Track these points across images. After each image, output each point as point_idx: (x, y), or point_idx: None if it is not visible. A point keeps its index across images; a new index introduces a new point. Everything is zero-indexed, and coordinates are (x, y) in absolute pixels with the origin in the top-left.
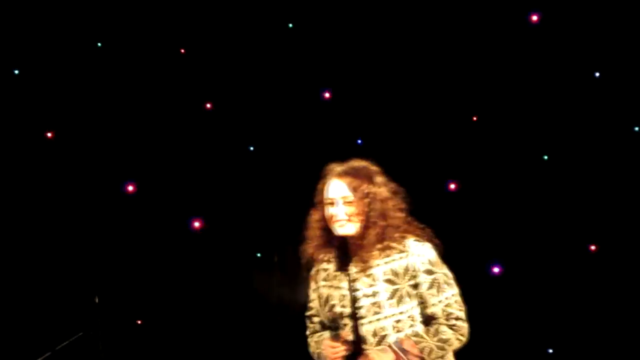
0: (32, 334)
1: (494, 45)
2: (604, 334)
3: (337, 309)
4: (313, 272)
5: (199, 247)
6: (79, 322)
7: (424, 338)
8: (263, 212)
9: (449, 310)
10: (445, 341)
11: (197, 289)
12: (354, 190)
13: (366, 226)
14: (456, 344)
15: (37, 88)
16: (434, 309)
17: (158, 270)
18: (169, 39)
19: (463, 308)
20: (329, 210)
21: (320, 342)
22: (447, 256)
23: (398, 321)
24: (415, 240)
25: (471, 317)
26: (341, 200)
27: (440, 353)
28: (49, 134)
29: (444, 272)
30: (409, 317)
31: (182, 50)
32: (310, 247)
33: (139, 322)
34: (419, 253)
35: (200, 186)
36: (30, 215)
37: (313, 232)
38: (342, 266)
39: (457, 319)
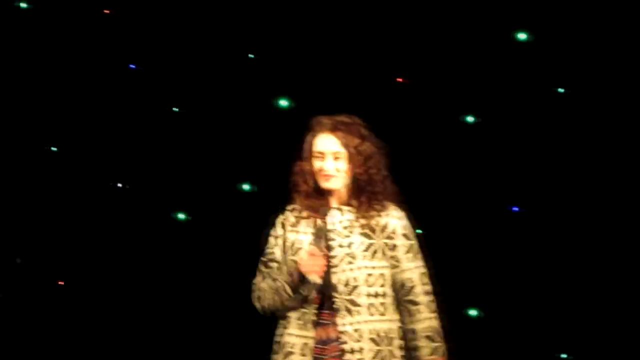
0: None
1: None
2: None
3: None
4: (281, 218)
5: (119, 206)
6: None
7: (434, 346)
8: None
9: (425, 279)
10: (437, 328)
11: (118, 249)
12: (345, 146)
13: (360, 182)
14: (439, 323)
15: None
16: (411, 274)
17: (80, 230)
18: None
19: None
20: (318, 164)
21: (276, 279)
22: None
23: (370, 275)
24: (394, 205)
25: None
26: (331, 155)
27: (443, 339)
28: None
29: (417, 243)
30: (380, 274)
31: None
32: (297, 196)
33: (61, 282)
34: (398, 217)
35: (120, 147)
36: None
37: (298, 182)
38: (319, 215)
39: (431, 292)
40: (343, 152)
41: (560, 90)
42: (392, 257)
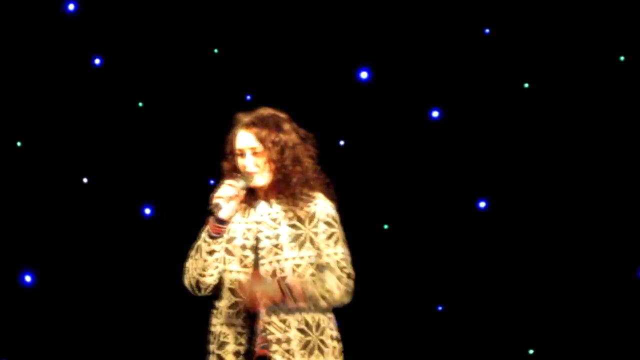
0: None
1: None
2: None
3: (239, 241)
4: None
5: (87, 201)
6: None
7: (311, 284)
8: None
9: (343, 264)
10: (328, 290)
11: (84, 245)
12: (262, 140)
13: (282, 174)
14: (337, 298)
15: None
16: (328, 259)
17: (49, 226)
18: None
19: (353, 271)
20: (239, 161)
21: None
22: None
23: (298, 265)
24: (324, 196)
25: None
26: (249, 151)
27: (320, 301)
28: None
29: (341, 231)
30: (309, 264)
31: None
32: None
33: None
34: (324, 206)
35: (84, 142)
36: None
37: (231, 175)
38: (248, 207)
39: (348, 276)
40: (259, 146)
41: (525, 85)
42: (315, 244)
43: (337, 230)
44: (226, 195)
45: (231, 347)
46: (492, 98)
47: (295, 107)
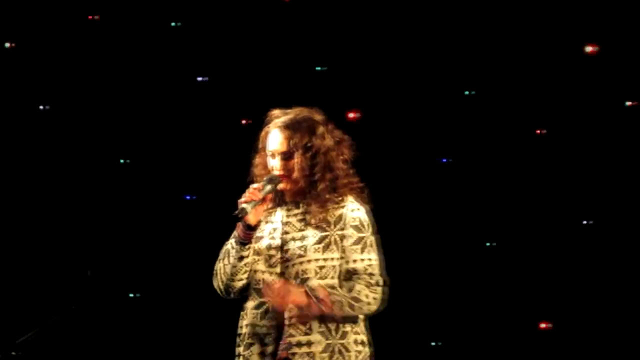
0: (24, 308)
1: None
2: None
3: (265, 241)
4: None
5: (192, 217)
6: (71, 296)
7: (338, 291)
8: None
9: (371, 271)
10: (357, 300)
11: (191, 260)
12: (294, 146)
13: (310, 180)
14: (366, 306)
15: (31, 62)
16: (356, 265)
17: (151, 241)
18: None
19: (387, 277)
20: (269, 162)
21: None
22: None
23: (322, 267)
24: (354, 200)
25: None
26: (280, 155)
27: (349, 310)
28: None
29: (373, 237)
30: (332, 266)
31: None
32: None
33: (132, 295)
34: (353, 209)
35: (190, 158)
36: (21, 188)
37: (259, 173)
38: (278, 207)
39: (377, 283)
40: (290, 151)
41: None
42: (341, 248)
43: (367, 235)
44: (252, 201)
45: (256, 348)
46: (595, 115)
47: (401, 123)
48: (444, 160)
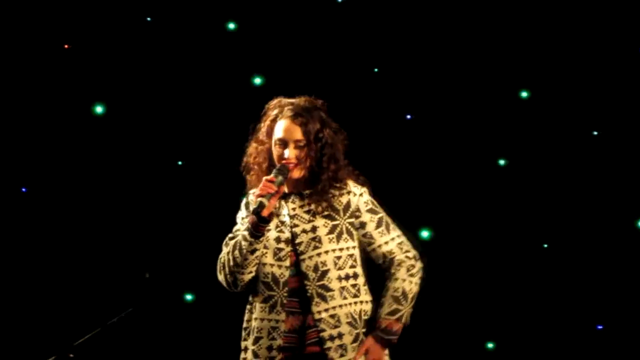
0: (82, 310)
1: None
2: None
3: (272, 234)
4: (245, 201)
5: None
6: (130, 297)
7: (396, 307)
8: None
9: (405, 247)
10: (406, 295)
11: None
12: (307, 133)
13: (316, 169)
14: (416, 288)
15: (88, 63)
16: (389, 247)
17: (209, 245)
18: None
19: (415, 250)
20: (279, 151)
21: (235, 237)
22: (499, 232)
23: (338, 257)
24: (354, 182)
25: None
26: (293, 144)
27: (411, 305)
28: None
29: (385, 215)
30: (349, 255)
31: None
32: (255, 178)
33: (189, 297)
34: (360, 193)
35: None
36: (81, 191)
37: (258, 162)
38: (281, 199)
39: (415, 257)
40: (303, 140)
41: None
42: (364, 235)
43: (382, 214)
44: (268, 193)
45: (265, 341)
46: None
47: (456, 125)
48: (501, 161)
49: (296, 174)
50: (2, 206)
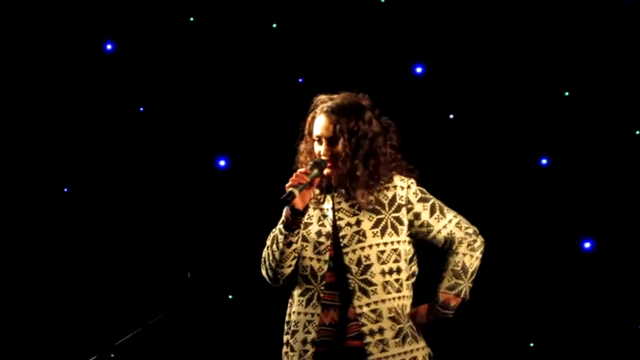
0: (124, 309)
1: (582, 23)
2: None
3: (314, 227)
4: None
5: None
6: (172, 297)
7: (455, 282)
8: None
9: (464, 224)
10: (466, 269)
11: None
12: (340, 130)
13: (356, 164)
14: (477, 263)
15: (131, 65)
16: (447, 229)
17: (248, 244)
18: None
19: (474, 226)
20: (315, 147)
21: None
22: (536, 231)
23: (382, 252)
24: (400, 176)
25: (563, 294)
26: (326, 140)
27: (472, 280)
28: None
29: (436, 200)
30: (393, 250)
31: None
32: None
33: (231, 297)
34: (407, 185)
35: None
36: (124, 191)
37: (304, 160)
38: (326, 193)
39: (475, 232)
40: (337, 136)
41: None
42: (421, 225)
43: (434, 199)
44: (300, 184)
45: (300, 335)
46: None
47: (499, 124)
48: (542, 161)
49: (332, 170)
50: (46, 206)
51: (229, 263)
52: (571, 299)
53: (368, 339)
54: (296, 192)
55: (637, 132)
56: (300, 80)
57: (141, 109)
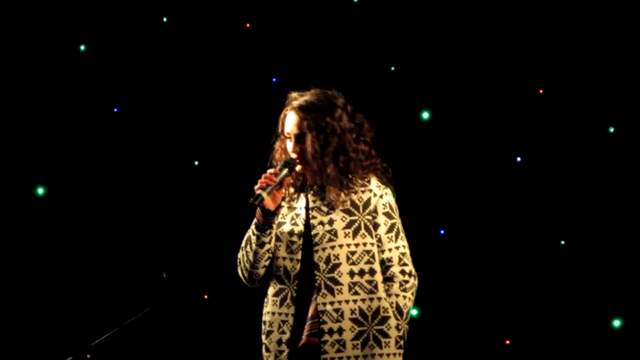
0: (99, 310)
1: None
2: None
3: (287, 227)
4: None
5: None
6: (147, 297)
7: (393, 327)
8: None
9: (405, 260)
10: (401, 311)
11: None
12: (308, 127)
13: (325, 161)
14: (410, 304)
15: (104, 64)
16: (391, 254)
17: (224, 244)
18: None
19: (413, 267)
20: (287, 145)
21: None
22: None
23: (353, 253)
24: (378, 181)
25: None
26: (295, 137)
27: (405, 320)
28: None
29: (399, 222)
30: (365, 251)
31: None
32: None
33: (206, 297)
34: (381, 194)
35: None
36: (97, 191)
37: (279, 157)
38: (300, 192)
39: (410, 273)
40: (305, 132)
41: None
42: (376, 236)
43: (397, 221)
44: (268, 186)
45: (275, 335)
46: None
47: (472, 123)
48: (518, 159)
49: (303, 168)
50: (18, 207)
51: (204, 263)
52: (548, 294)
53: (326, 337)
54: (264, 194)
55: (611, 130)
56: (273, 79)
57: (115, 109)
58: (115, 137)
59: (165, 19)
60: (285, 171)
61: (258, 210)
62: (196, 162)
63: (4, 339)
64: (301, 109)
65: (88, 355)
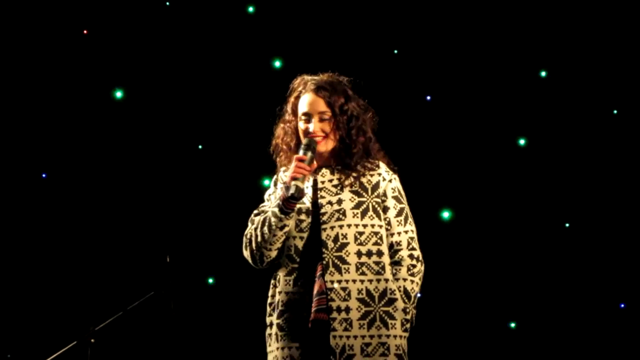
0: (103, 295)
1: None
2: None
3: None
4: (275, 178)
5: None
6: (151, 281)
7: (400, 310)
8: None
9: (413, 244)
10: (409, 294)
11: None
12: (331, 106)
13: (346, 142)
14: (417, 288)
15: (107, 48)
16: (400, 238)
17: (229, 228)
18: None
19: (420, 252)
20: (302, 125)
21: (265, 212)
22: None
23: (361, 233)
24: (386, 166)
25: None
26: (317, 116)
27: (413, 304)
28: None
29: (408, 207)
30: (373, 232)
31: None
32: (284, 157)
33: (210, 280)
34: (390, 179)
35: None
36: (102, 176)
37: (286, 142)
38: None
39: (418, 258)
40: (328, 112)
41: None
42: (385, 219)
43: (405, 205)
44: (302, 175)
45: (290, 315)
46: None
47: (475, 106)
48: (521, 141)
49: (323, 147)
50: (23, 192)
51: (208, 247)
52: (553, 277)
53: (334, 314)
54: (300, 184)
55: (615, 112)
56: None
57: (117, 93)
58: (118, 123)
59: (167, 3)
60: (309, 154)
61: (283, 194)
62: (200, 146)
63: (9, 324)
64: (322, 89)
65: (92, 340)
